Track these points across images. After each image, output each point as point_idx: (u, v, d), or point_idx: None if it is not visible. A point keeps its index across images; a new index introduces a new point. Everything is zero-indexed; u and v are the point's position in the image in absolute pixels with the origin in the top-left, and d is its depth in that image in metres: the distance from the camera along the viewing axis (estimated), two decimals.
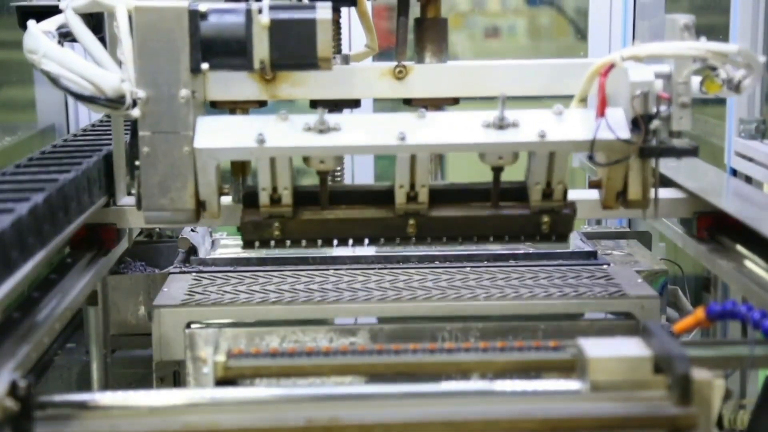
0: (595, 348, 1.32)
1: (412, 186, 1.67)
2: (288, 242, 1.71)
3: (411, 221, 1.69)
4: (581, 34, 3.40)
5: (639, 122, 1.60)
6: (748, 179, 2.35)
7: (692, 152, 1.65)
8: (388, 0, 2.18)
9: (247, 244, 1.72)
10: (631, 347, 1.33)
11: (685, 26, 1.63)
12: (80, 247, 1.87)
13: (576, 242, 2.26)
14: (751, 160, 2.31)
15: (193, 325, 1.87)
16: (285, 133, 1.62)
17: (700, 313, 1.47)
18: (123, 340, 2.22)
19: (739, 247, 1.79)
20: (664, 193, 1.95)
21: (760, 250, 1.72)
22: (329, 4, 1.63)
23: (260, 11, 1.60)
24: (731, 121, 2.42)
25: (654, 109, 1.60)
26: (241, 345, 1.83)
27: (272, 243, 1.71)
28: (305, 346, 1.58)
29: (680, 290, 2.42)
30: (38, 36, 1.60)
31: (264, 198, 1.68)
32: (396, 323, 1.87)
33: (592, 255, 2.20)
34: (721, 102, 2.46)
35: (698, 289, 2.56)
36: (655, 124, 1.60)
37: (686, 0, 3.10)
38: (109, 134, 2.23)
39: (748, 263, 1.71)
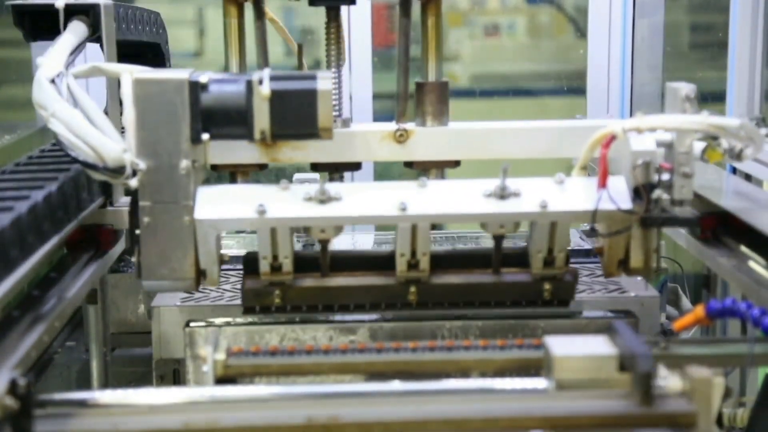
0: (561, 346, 1.32)
1: (413, 254, 1.69)
2: (288, 308, 1.74)
3: (412, 288, 1.71)
4: (581, 32, 3.40)
5: (640, 191, 1.60)
6: (748, 177, 2.35)
7: (694, 222, 1.67)
8: None
9: (248, 311, 1.74)
10: (597, 346, 1.33)
11: (686, 97, 1.64)
12: (77, 249, 1.86)
13: (575, 240, 2.26)
14: None
15: (192, 324, 1.86)
16: (286, 203, 1.63)
17: (699, 311, 1.47)
18: (123, 339, 2.23)
19: (743, 248, 1.79)
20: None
21: (761, 248, 1.72)
22: (330, 75, 1.63)
23: (261, 82, 1.59)
24: None
25: (656, 178, 1.60)
26: (240, 343, 1.83)
27: (273, 309, 1.73)
28: (305, 345, 1.58)
29: (680, 288, 2.42)
30: (48, 92, 1.59)
31: (264, 266, 1.69)
32: (396, 321, 1.87)
33: (591, 253, 2.20)
34: (720, 99, 2.46)
35: (698, 287, 2.56)
36: (656, 193, 1.60)
37: None
38: None
39: (748, 261, 1.71)
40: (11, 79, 2.80)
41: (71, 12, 1.83)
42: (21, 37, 1.90)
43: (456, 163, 1.89)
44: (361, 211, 1.63)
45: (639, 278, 2.03)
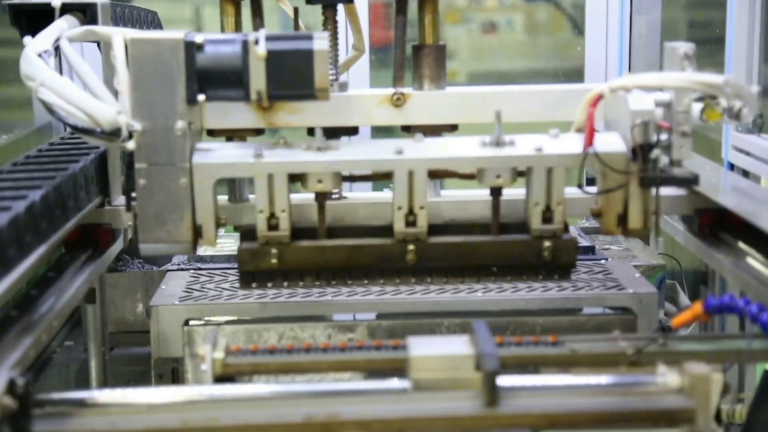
0: (419, 346, 1.33)
1: (411, 211, 1.65)
2: (286, 284, 1.69)
3: (410, 247, 1.66)
4: (578, 29, 3.39)
5: (639, 151, 1.60)
6: (745, 173, 2.35)
7: (693, 181, 1.65)
8: None
9: (244, 279, 1.69)
10: (455, 346, 1.33)
11: (685, 55, 1.64)
12: (75, 248, 1.86)
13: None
14: (748, 154, 2.31)
15: (191, 323, 1.87)
16: (283, 151, 1.63)
17: (697, 307, 1.47)
18: (121, 338, 2.23)
19: (741, 244, 1.79)
20: (665, 189, 1.95)
21: (759, 244, 1.72)
22: (326, 35, 1.62)
23: (257, 42, 1.58)
24: None
25: (654, 138, 1.60)
26: (239, 342, 1.83)
27: (269, 283, 1.69)
28: (303, 343, 1.57)
29: (678, 285, 2.43)
30: (35, 63, 1.58)
31: (261, 222, 1.65)
32: (394, 319, 1.87)
33: (590, 250, 2.20)
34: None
35: (696, 283, 2.56)
36: (655, 153, 1.59)
37: None
38: None
39: (746, 257, 1.71)
40: (8, 79, 2.79)
41: (67, 10, 1.83)
42: (18, 36, 1.90)
43: (453, 127, 1.88)
44: (358, 156, 1.63)
45: (638, 274, 2.04)
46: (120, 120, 1.56)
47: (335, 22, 1.93)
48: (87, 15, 1.84)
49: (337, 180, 1.66)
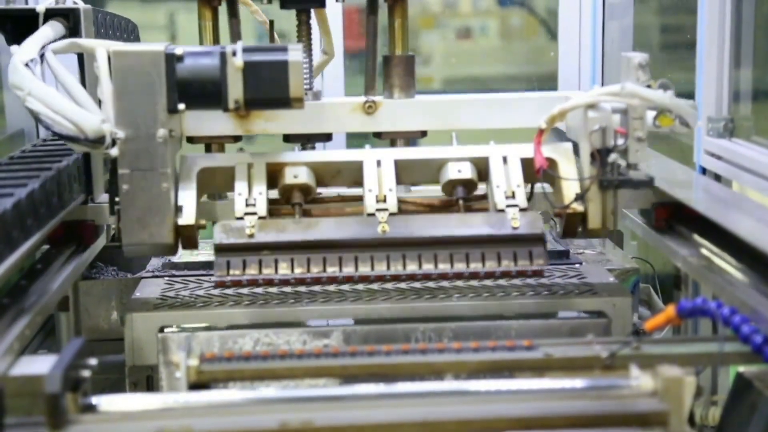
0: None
1: (380, 194, 1.77)
2: (262, 270, 1.73)
3: (383, 217, 1.75)
4: (552, 34, 3.41)
5: (597, 156, 1.71)
6: (718, 177, 2.37)
7: (649, 183, 1.75)
8: (358, 2, 2.22)
9: (220, 252, 1.73)
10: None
11: (639, 65, 1.73)
12: (59, 244, 1.91)
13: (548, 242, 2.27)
14: (719, 158, 2.33)
15: (165, 330, 1.86)
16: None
17: (671, 310, 1.48)
18: (95, 346, 2.20)
19: (696, 237, 1.84)
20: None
21: (728, 246, 1.74)
22: (300, 47, 1.70)
23: (234, 53, 1.66)
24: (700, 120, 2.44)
25: (612, 143, 1.71)
26: (214, 349, 1.83)
27: (244, 269, 1.73)
28: (278, 349, 1.57)
29: (652, 288, 2.44)
30: (23, 73, 1.64)
31: (239, 203, 1.75)
32: (369, 324, 1.87)
33: (564, 254, 2.21)
34: (690, 100, 2.47)
35: (669, 287, 2.58)
36: (612, 157, 1.71)
37: (655, 1, 3.12)
38: None
39: (717, 260, 1.73)
40: None
41: (51, 16, 1.86)
42: None
43: (423, 134, 1.99)
44: (331, 156, 1.82)
45: (612, 278, 2.05)
46: (104, 128, 1.63)
47: (309, 26, 1.96)
48: (70, 20, 1.87)
49: (312, 177, 1.76)
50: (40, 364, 1.33)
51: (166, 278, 2.09)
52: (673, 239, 1.93)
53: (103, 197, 1.98)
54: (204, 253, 2.27)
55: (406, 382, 1.38)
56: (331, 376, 1.54)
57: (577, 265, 2.14)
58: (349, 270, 1.72)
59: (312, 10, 2.00)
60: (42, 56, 1.71)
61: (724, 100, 2.36)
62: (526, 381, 1.37)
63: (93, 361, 1.34)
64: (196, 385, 1.44)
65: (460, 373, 1.49)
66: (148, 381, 1.90)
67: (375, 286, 1.99)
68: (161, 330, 1.86)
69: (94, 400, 1.31)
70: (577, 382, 1.35)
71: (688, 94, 2.55)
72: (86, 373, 1.32)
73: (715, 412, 1.85)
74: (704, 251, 1.80)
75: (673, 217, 1.98)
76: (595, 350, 1.43)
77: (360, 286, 1.99)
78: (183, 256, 2.23)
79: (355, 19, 3.20)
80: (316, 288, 1.98)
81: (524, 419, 1.26)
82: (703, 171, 2.42)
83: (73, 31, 1.87)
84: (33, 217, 1.63)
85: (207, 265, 2.15)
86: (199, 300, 1.94)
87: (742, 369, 1.43)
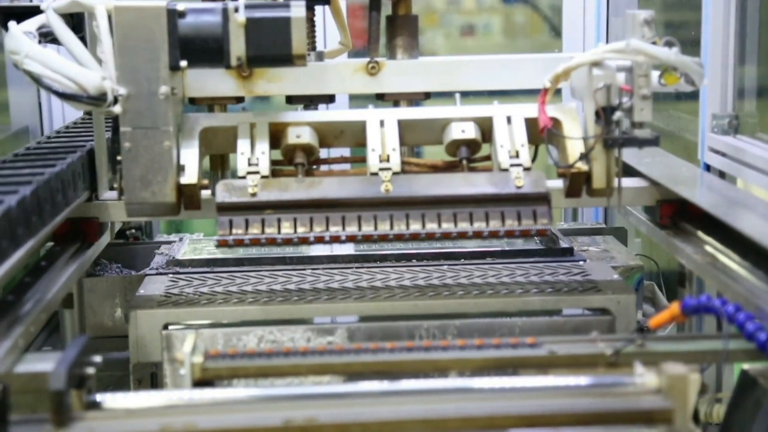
0: None
1: (384, 155, 1.76)
2: (264, 230, 1.72)
3: (386, 176, 1.74)
4: (556, 31, 3.41)
5: (602, 114, 1.68)
6: (722, 174, 2.36)
7: (654, 142, 1.71)
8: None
9: (222, 211, 1.72)
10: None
11: (645, 21, 1.69)
12: (64, 241, 1.91)
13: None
14: (724, 155, 2.33)
15: (170, 327, 1.86)
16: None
17: (675, 307, 1.48)
18: (99, 343, 2.21)
19: (701, 234, 1.84)
20: (629, 182, 1.99)
21: (733, 243, 1.74)
22: (303, 3, 1.67)
23: (236, 10, 1.65)
24: (704, 117, 2.44)
25: (616, 101, 1.67)
26: (218, 346, 1.83)
27: (247, 229, 1.71)
28: (282, 346, 1.57)
29: (656, 285, 2.44)
30: (20, 37, 1.63)
31: (242, 161, 1.74)
32: (373, 322, 1.87)
33: (568, 251, 2.20)
34: (694, 97, 2.47)
35: (674, 284, 2.57)
36: (617, 115, 1.68)
37: None
38: (83, 136, 2.22)
39: (721, 257, 1.72)
40: None
41: None
42: None
43: (426, 95, 1.96)
44: (334, 116, 1.81)
45: (616, 276, 2.04)
46: (105, 85, 1.62)
47: (313, 23, 1.96)
48: (74, 17, 1.86)
49: (315, 137, 1.76)
50: (45, 361, 1.34)
51: (170, 275, 2.09)
52: (678, 236, 1.92)
53: (107, 195, 1.97)
54: (207, 250, 2.27)
55: (410, 379, 1.38)
56: (335, 374, 1.54)
57: (581, 263, 2.14)
58: (352, 229, 1.71)
59: (326, 8, 2.00)
60: (42, 35, 1.71)
61: (728, 97, 2.36)
62: (530, 378, 1.37)
63: (97, 358, 1.34)
64: (200, 382, 1.44)
65: (464, 370, 1.49)
66: (152, 378, 1.90)
67: (379, 283, 1.99)
68: (165, 327, 1.86)
69: (99, 397, 1.31)
70: (582, 380, 1.35)
71: (693, 91, 2.54)
72: (91, 370, 1.32)
73: (720, 410, 1.85)
74: (709, 248, 1.80)
75: (678, 215, 1.98)
76: (599, 347, 1.42)
77: (364, 284, 1.99)
78: (186, 253, 2.23)
79: (359, 16, 3.19)
80: (320, 285, 1.99)
81: (528, 416, 1.26)
82: (708, 168, 2.41)
83: (77, 29, 1.87)
84: (38, 215, 1.63)
85: (211, 263, 2.15)
86: (203, 297, 1.94)
87: (746, 366, 1.43)
